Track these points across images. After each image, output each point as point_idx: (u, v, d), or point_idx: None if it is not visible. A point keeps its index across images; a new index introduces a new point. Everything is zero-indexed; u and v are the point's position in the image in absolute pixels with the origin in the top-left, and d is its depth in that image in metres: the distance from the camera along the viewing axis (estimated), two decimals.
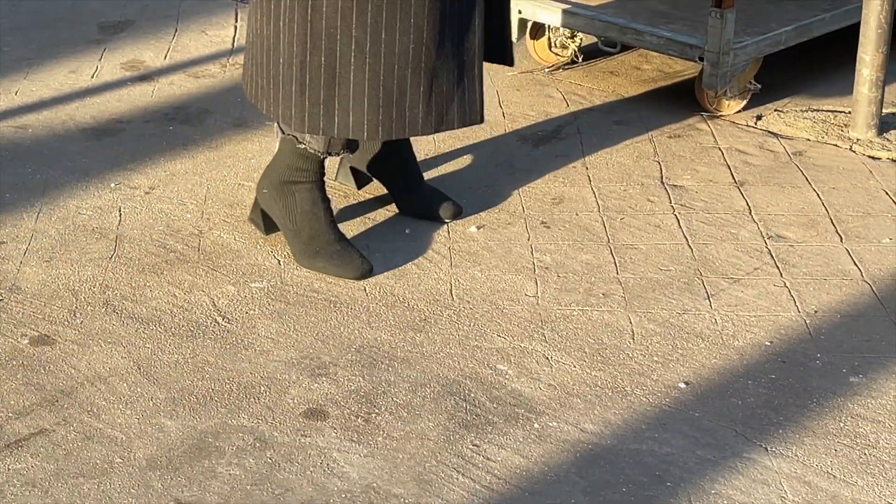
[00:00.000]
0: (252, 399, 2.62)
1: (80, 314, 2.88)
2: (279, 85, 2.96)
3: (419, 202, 3.27)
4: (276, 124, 3.11)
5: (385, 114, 2.92)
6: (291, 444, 2.49)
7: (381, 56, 2.89)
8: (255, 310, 2.91)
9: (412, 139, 3.43)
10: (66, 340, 2.79)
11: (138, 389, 2.63)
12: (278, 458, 2.46)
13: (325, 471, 2.43)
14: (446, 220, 3.25)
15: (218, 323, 2.87)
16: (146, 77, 4.09)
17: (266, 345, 2.79)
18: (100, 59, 4.21)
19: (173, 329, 2.84)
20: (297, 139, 3.06)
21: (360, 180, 3.38)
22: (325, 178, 3.11)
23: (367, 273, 3.03)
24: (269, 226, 3.16)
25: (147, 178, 3.47)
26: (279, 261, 3.09)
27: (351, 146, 3.11)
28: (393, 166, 3.28)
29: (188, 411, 2.57)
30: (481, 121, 3.04)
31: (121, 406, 2.58)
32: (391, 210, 3.32)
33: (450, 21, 2.92)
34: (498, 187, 3.44)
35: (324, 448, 2.49)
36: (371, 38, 2.88)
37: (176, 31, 4.46)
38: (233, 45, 4.34)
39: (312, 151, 3.06)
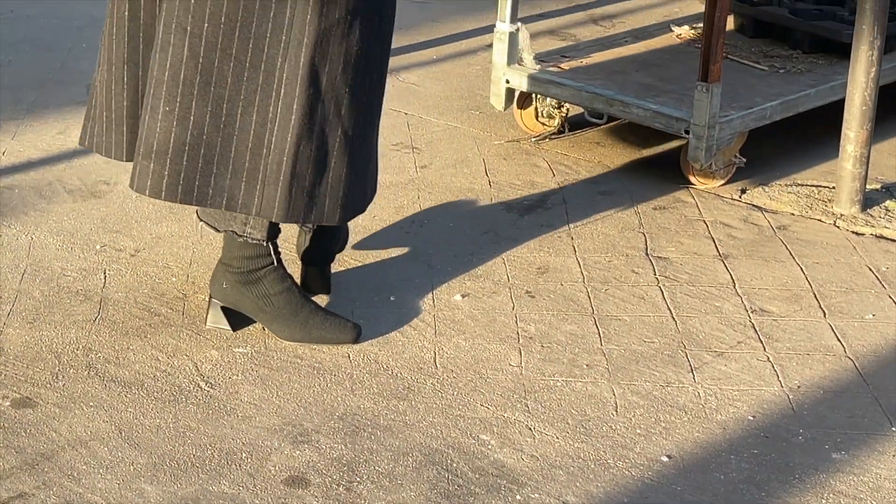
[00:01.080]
0: (234, 465, 2.61)
1: (63, 377, 2.87)
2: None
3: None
4: (202, 224, 3.11)
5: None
6: None
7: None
8: (238, 375, 2.91)
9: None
10: (47, 403, 2.78)
11: (119, 454, 2.62)
12: None
13: None
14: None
15: (201, 388, 2.86)
16: None
17: (248, 411, 2.78)
18: None
19: (156, 393, 2.83)
20: (235, 233, 3.02)
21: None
22: (279, 251, 3.07)
23: (360, 333, 3.03)
24: (235, 322, 3.07)
25: (133, 240, 3.47)
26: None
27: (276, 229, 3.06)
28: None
29: (169, 477, 2.56)
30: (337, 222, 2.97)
31: (101, 471, 2.57)
32: (376, 277, 3.32)
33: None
34: (483, 256, 3.45)
35: None
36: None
37: None
38: None
39: (254, 241, 3.02)
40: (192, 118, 2.85)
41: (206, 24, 2.81)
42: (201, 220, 3.06)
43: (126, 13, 2.97)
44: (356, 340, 3.02)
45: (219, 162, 2.87)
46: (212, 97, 2.84)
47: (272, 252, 3.04)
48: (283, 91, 2.83)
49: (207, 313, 3.07)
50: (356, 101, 2.89)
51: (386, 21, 2.94)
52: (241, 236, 3.01)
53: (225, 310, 3.06)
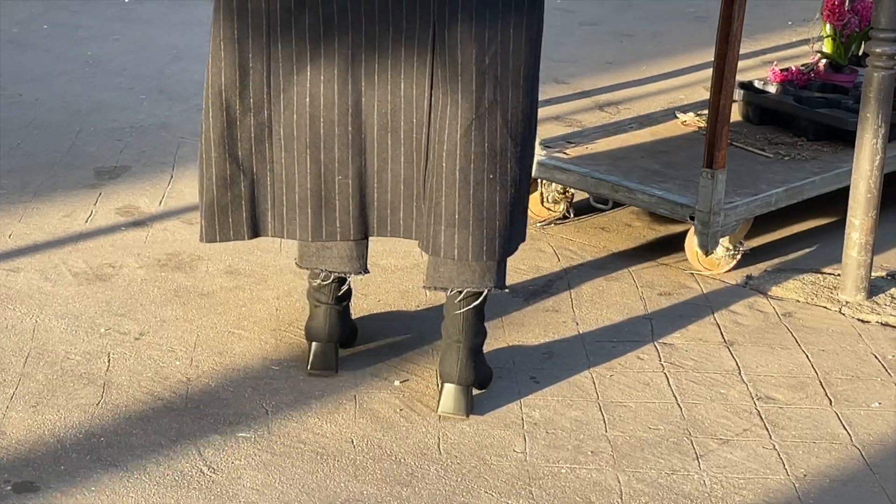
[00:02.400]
0: None
1: (65, 461, 2.86)
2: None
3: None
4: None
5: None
6: None
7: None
8: (240, 460, 2.89)
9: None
10: (49, 488, 2.76)
11: None
12: None
13: None
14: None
15: (203, 473, 2.84)
16: (140, 223, 4.12)
17: (251, 496, 2.77)
18: (94, 204, 4.24)
19: (158, 478, 2.81)
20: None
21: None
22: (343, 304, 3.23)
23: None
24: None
25: (137, 324, 3.47)
26: (267, 410, 3.08)
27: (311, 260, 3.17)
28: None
29: None
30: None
31: None
32: (380, 361, 3.31)
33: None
34: (488, 340, 3.43)
35: None
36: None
37: (171, 177, 4.49)
38: None
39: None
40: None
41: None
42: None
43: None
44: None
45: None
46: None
47: (323, 295, 3.23)
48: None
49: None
50: None
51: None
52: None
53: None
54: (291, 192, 3.05)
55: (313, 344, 3.23)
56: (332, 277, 3.19)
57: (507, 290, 3.12)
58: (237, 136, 3.04)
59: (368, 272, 3.19)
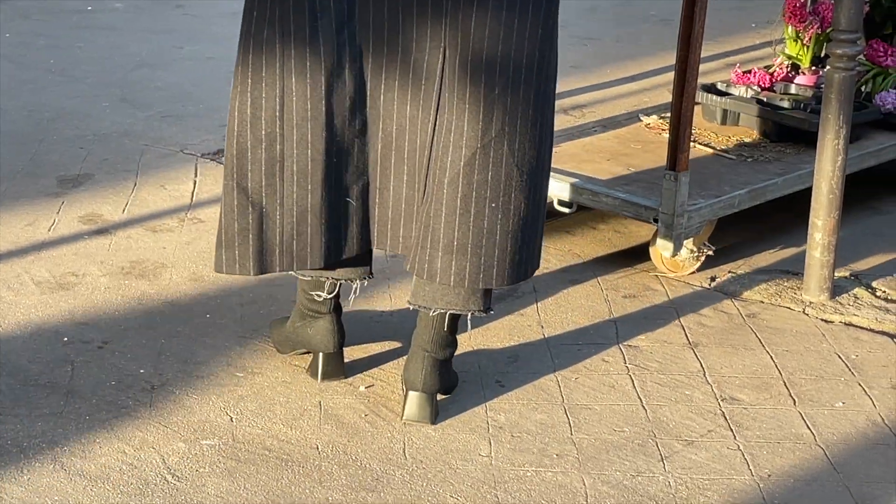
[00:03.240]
0: None
1: (28, 470, 2.84)
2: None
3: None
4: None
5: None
6: None
7: None
8: (205, 468, 2.88)
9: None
10: (12, 498, 2.75)
11: None
12: None
13: None
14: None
15: (167, 480, 2.83)
16: (103, 231, 4.10)
17: None
18: (57, 213, 4.22)
19: (122, 486, 2.80)
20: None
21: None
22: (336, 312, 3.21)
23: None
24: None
25: (100, 332, 3.46)
26: (231, 417, 3.07)
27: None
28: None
29: None
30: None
31: None
32: (346, 366, 3.30)
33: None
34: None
35: None
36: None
37: (135, 185, 4.48)
38: (191, 199, 4.36)
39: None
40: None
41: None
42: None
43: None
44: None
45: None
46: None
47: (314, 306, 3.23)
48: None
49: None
50: None
51: None
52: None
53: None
54: (303, 223, 3.03)
55: (321, 355, 3.22)
56: (337, 289, 3.18)
57: (491, 313, 3.14)
58: (247, 168, 3.02)
59: (373, 276, 3.23)
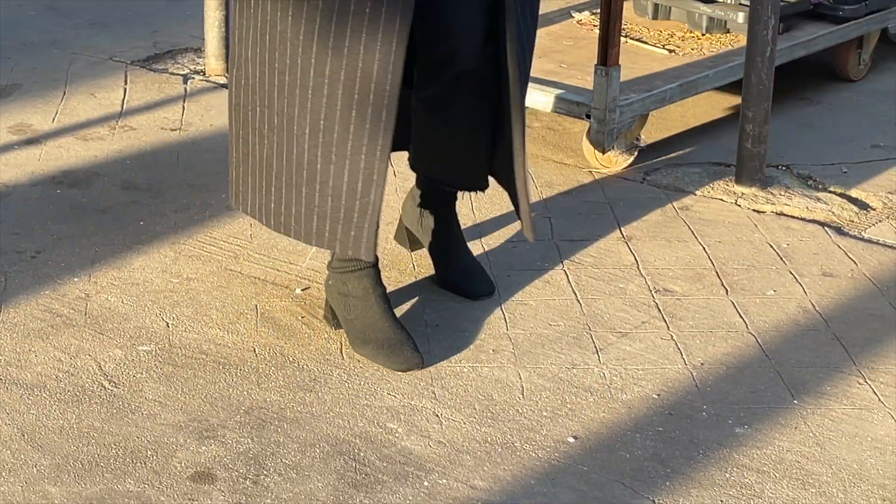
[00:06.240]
0: (139, 464, 2.59)
1: None
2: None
3: (456, 277, 3.24)
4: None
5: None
6: None
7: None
8: (142, 373, 2.89)
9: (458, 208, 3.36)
10: None
11: (22, 456, 2.59)
12: None
13: None
14: (475, 298, 3.20)
15: (104, 387, 2.83)
16: (34, 141, 4.06)
17: (153, 408, 2.76)
18: None
19: (58, 394, 2.80)
20: None
21: (414, 243, 3.35)
22: (377, 265, 3.01)
23: (416, 366, 2.91)
24: (336, 321, 3.05)
25: (33, 242, 3.43)
26: (167, 323, 3.07)
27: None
28: (441, 239, 3.26)
29: (73, 478, 2.54)
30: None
31: (4, 474, 2.54)
32: (282, 270, 3.31)
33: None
34: (389, 245, 3.44)
35: None
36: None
37: (64, 94, 4.43)
38: (122, 107, 4.32)
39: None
40: None
41: None
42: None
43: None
44: (407, 370, 2.91)
45: None
46: None
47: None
48: None
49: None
50: None
51: None
52: None
53: (329, 306, 3.06)
54: None
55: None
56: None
57: None
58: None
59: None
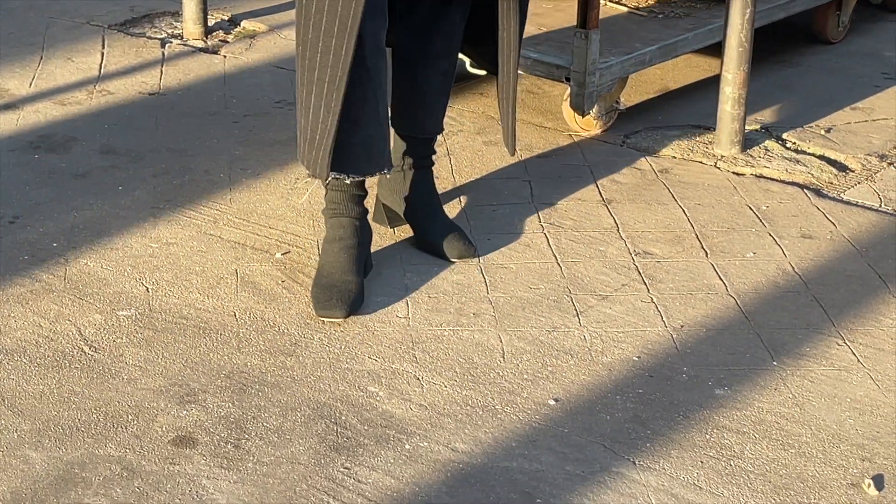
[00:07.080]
0: (119, 428, 2.58)
1: None
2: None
3: (435, 238, 3.24)
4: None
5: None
6: (160, 473, 2.47)
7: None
8: (122, 338, 2.88)
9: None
10: None
11: (2, 421, 2.59)
12: (146, 488, 2.43)
13: (194, 499, 2.41)
14: (452, 260, 3.21)
15: (84, 352, 2.83)
16: (11, 105, 4.04)
17: (134, 373, 2.76)
18: None
19: (38, 359, 2.80)
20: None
21: (393, 219, 3.34)
22: (360, 218, 3.07)
23: (334, 315, 2.94)
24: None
25: (11, 207, 3.42)
26: (147, 288, 3.06)
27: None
28: (418, 202, 3.27)
29: (54, 442, 2.54)
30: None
31: None
32: (261, 234, 3.30)
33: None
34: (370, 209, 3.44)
35: (193, 476, 2.46)
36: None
37: (41, 58, 4.40)
38: (100, 71, 4.30)
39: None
40: None
41: None
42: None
43: None
44: (325, 318, 2.96)
45: None
46: None
47: (342, 204, 3.11)
48: None
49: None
50: None
51: None
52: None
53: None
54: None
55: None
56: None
57: None
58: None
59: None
